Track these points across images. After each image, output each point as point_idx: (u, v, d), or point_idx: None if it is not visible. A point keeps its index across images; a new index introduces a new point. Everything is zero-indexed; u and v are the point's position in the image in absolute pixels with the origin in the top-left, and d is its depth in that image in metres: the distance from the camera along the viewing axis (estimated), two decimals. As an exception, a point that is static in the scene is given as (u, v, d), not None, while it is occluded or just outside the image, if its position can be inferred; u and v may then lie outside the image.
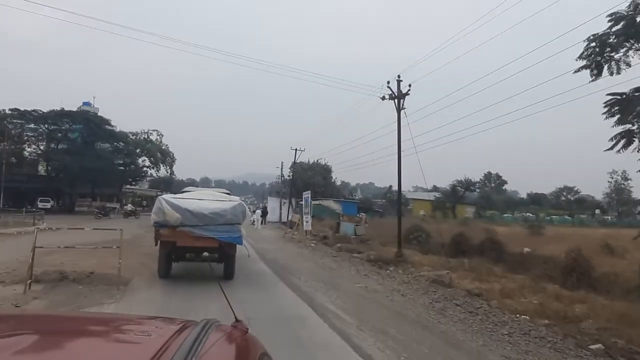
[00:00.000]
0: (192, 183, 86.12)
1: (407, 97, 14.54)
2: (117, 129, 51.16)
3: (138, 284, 8.36)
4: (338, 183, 60.12)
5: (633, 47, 9.45)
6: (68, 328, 1.33)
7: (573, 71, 10.10)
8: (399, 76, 14.57)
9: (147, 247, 13.72)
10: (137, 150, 51.26)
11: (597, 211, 72.19)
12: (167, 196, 9.35)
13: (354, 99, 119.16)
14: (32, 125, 42.94)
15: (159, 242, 8.59)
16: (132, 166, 51.12)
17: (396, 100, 14.60)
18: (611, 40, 9.54)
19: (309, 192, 26.66)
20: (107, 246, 9.90)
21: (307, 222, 25.20)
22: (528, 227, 32.31)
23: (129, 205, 38.40)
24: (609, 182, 71.69)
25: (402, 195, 61.69)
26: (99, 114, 48.27)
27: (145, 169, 53.88)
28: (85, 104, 52.54)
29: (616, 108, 9.92)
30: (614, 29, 9.41)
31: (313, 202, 26.55)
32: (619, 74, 9.64)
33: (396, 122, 14.69)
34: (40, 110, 41.93)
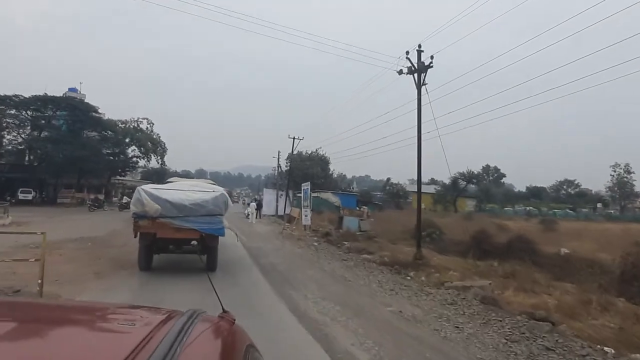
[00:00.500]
0: (187, 175, 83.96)
1: (428, 71, 12.41)
2: (106, 117, 48.75)
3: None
4: (335, 175, 58.08)
5: None
6: (49, 316, 1.28)
7: None
8: (419, 46, 12.43)
9: (117, 247, 11.61)
10: (127, 140, 48.68)
11: (599, 205, 71.01)
12: (147, 186, 8.99)
13: (360, 80, 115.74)
14: (13, 112, 40.27)
15: (138, 233, 8.48)
16: (121, 156, 48.52)
17: (416, 75, 12.47)
18: None
19: (309, 183, 24.57)
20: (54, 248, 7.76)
21: (306, 216, 23.17)
22: (540, 222, 30.61)
23: (125, 197, 36.06)
24: (611, 175, 70.40)
25: (400, 188, 59.55)
26: (86, 101, 45.61)
27: (135, 159, 51.27)
28: (71, 90, 49.57)
29: None
30: None
31: (311, 195, 24.42)
32: None
33: (415, 104, 12.58)
34: (22, 96, 39.27)
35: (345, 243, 15.57)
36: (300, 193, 33.37)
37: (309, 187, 23.84)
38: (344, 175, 73.62)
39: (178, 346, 0.87)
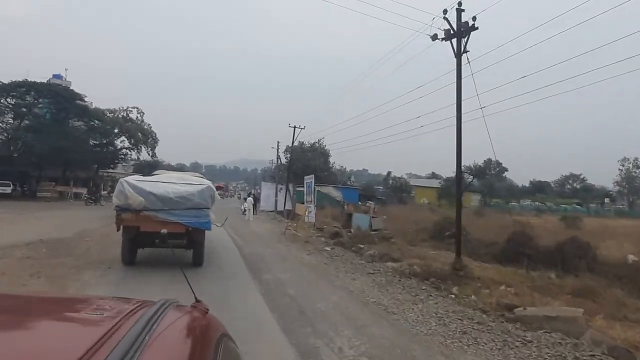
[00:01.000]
0: (182, 168, 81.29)
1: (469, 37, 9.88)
2: (93, 106, 45.81)
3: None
4: (335, 168, 55.42)
5: None
6: (13, 305, 1.20)
7: None
8: (459, 4, 9.89)
9: (75, 256, 9.05)
10: (115, 130, 45.74)
11: (607, 200, 69.12)
12: (130, 178, 8.69)
13: (355, 73, 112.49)
14: (-9, 99, 37.40)
15: (121, 227, 8.34)
16: (109, 147, 45.57)
17: (455, 40, 9.94)
18: None
19: (312, 176, 21.99)
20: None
21: (310, 212, 20.69)
22: (561, 219, 28.32)
23: None
24: (619, 169, 68.45)
25: (404, 182, 56.98)
26: (72, 88, 42.66)
27: (124, 150, 48.34)
28: (55, 76, 46.42)
29: None
30: None
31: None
32: None
33: (455, 74, 10.06)
34: (0, 81, 36.46)
35: (362, 246, 13.06)
36: (301, 187, 30.84)
37: (312, 181, 21.29)
38: (344, 169, 71.08)
39: (147, 334, 0.84)
